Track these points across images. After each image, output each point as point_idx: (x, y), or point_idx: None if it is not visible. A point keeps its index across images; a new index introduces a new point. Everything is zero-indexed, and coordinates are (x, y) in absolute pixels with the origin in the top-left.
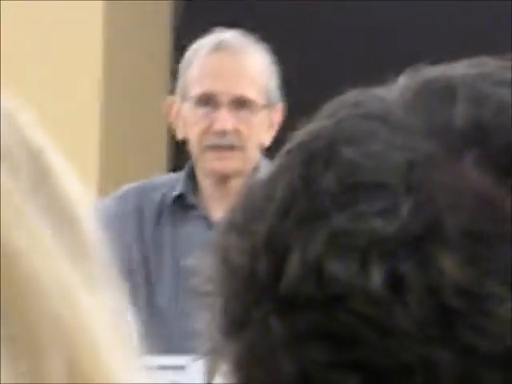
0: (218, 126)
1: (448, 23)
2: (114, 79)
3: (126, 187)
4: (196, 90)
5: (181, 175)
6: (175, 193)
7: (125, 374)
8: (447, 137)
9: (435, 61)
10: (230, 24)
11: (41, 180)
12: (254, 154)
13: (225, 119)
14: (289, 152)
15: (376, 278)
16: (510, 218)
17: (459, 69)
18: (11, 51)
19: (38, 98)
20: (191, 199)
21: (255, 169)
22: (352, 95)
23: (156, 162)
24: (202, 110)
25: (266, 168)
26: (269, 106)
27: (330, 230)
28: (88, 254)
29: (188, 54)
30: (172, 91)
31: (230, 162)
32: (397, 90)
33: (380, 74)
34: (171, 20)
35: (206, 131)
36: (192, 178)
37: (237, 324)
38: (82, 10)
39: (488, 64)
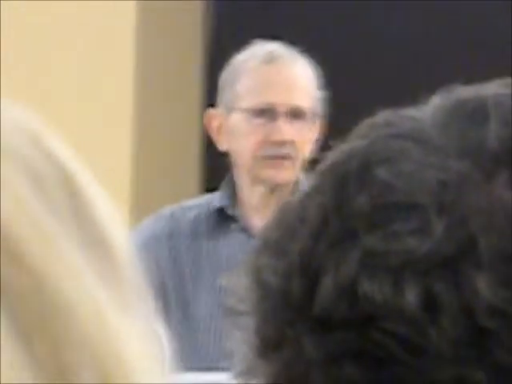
0: (277, 137)
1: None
2: (147, 89)
3: (162, 209)
4: (252, 101)
5: (216, 194)
6: (215, 205)
7: None
8: (480, 157)
9: (467, 80)
10: (266, 32)
11: (72, 202)
12: (302, 165)
13: (284, 130)
14: (322, 173)
15: (410, 298)
16: None
17: (491, 89)
18: (35, 54)
19: (68, 108)
20: (232, 211)
21: (296, 183)
22: (384, 116)
23: (189, 168)
24: (258, 121)
25: (305, 183)
26: (315, 118)
27: (362, 251)
28: (120, 277)
29: (233, 66)
30: (210, 103)
31: (285, 172)
32: (429, 110)
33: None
34: (204, 28)
35: (264, 141)
36: (232, 190)
37: (271, 344)
38: (115, 15)
39: None
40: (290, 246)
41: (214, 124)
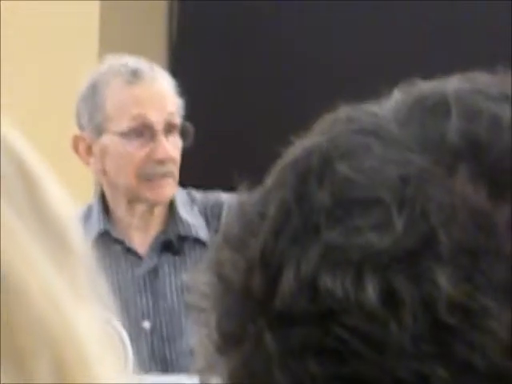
0: (160, 155)
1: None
2: None
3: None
4: (127, 122)
5: (92, 210)
6: (96, 230)
7: (112, 378)
8: (440, 152)
9: (428, 75)
10: (226, 26)
11: (26, 190)
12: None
13: (166, 147)
14: (282, 168)
15: (370, 292)
16: (503, 232)
17: (452, 84)
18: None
19: (34, 99)
20: (114, 234)
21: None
22: (344, 111)
23: None
24: (136, 141)
25: (179, 195)
26: (181, 129)
27: (323, 245)
28: (75, 266)
29: (94, 85)
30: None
31: (168, 190)
32: (390, 105)
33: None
34: (167, 20)
35: (145, 161)
36: (107, 212)
37: (231, 340)
38: (79, 12)
39: (480, 79)
40: (251, 241)
41: (82, 147)
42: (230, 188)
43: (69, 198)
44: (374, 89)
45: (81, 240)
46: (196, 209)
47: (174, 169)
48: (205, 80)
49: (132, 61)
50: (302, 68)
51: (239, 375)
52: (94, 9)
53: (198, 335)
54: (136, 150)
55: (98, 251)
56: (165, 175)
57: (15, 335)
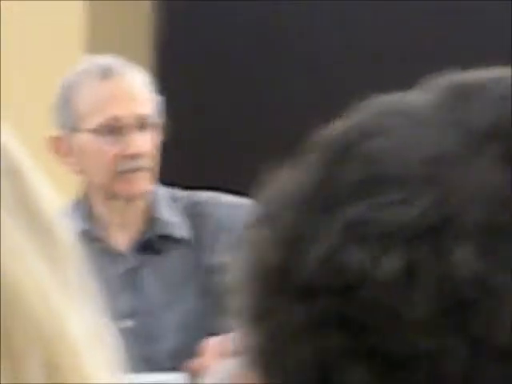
0: (131, 150)
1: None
2: None
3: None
4: (96, 120)
5: (76, 208)
6: (78, 229)
7: (103, 376)
8: (469, 133)
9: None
10: (211, 25)
11: (15, 188)
12: (153, 176)
13: (138, 142)
14: (314, 148)
15: (390, 266)
16: None
17: (482, 73)
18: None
19: (23, 99)
20: (95, 232)
21: (152, 193)
22: (375, 99)
23: None
24: (107, 138)
25: (159, 187)
26: (158, 124)
27: (346, 220)
28: (64, 260)
29: (67, 85)
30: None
31: (140, 184)
32: (421, 91)
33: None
34: (152, 19)
35: (117, 156)
36: (89, 211)
37: (258, 314)
38: (64, 11)
39: (508, 71)
40: (280, 216)
41: (63, 148)
42: (213, 186)
43: (56, 195)
44: (372, 89)
45: (69, 237)
46: (177, 207)
47: (148, 163)
48: (190, 79)
49: (104, 59)
50: (290, 66)
51: (265, 349)
52: (80, 8)
53: (227, 314)
54: (108, 147)
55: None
56: (138, 170)
57: (8, 334)
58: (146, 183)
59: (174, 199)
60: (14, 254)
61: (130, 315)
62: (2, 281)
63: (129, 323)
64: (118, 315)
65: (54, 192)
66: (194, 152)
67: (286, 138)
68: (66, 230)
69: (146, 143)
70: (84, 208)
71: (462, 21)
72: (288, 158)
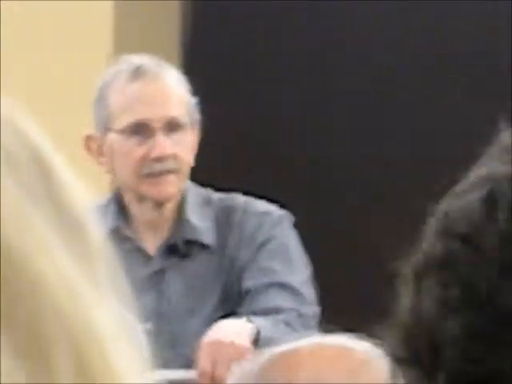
0: (156, 153)
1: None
2: None
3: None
4: (126, 120)
5: (109, 205)
6: (109, 226)
7: (131, 372)
8: None
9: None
10: (239, 24)
11: (44, 183)
12: (187, 176)
13: (163, 145)
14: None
15: None
16: None
17: None
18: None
19: (45, 102)
20: (126, 232)
21: (184, 192)
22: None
23: None
24: (135, 139)
25: (192, 189)
26: (192, 125)
27: None
28: (92, 255)
29: (101, 85)
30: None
31: (168, 187)
32: None
33: None
34: (180, 20)
35: (144, 159)
36: (122, 209)
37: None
38: (92, 11)
39: None
40: (482, 238)
41: (93, 147)
42: (240, 186)
43: (85, 190)
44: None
45: (99, 232)
46: (209, 211)
47: (176, 165)
48: (218, 78)
49: (138, 58)
50: (315, 65)
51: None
52: (108, 8)
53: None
54: (135, 148)
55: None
56: (164, 172)
57: (34, 325)
58: (173, 186)
59: (207, 202)
60: (41, 247)
61: (152, 318)
62: (28, 273)
63: (150, 325)
64: (141, 317)
65: (82, 185)
66: (221, 150)
67: (312, 138)
68: (96, 224)
69: (174, 146)
70: (116, 206)
71: (462, 21)
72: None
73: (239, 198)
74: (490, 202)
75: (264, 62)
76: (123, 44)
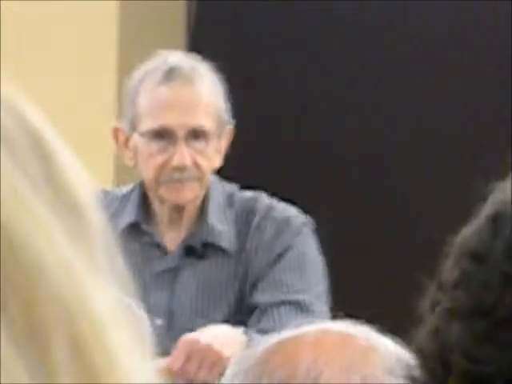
0: (176, 162)
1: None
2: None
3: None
4: (150, 124)
5: (131, 196)
6: (128, 219)
7: (128, 356)
8: None
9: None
10: (244, 25)
11: (43, 165)
12: (209, 180)
13: (184, 155)
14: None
15: None
16: None
17: None
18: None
19: (50, 103)
20: (145, 227)
21: (208, 190)
22: None
23: None
24: (157, 145)
25: (217, 188)
26: (220, 130)
27: None
28: (91, 239)
29: (134, 80)
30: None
31: (187, 193)
32: None
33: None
34: (185, 20)
35: (163, 166)
36: (143, 203)
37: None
38: (97, 11)
39: None
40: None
41: (121, 138)
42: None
43: (86, 174)
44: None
45: (98, 215)
46: (230, 214)
47: (197, 174)
48: (222, 68)
49: (175, 58)
50: (317, 62)
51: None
52: (113, 8)
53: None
54: (155, 154)
55: (127, 241)
56: (183, 180)
57: (31, 308)
58: (191, 192)
59: (231, 203)
60: (39, 229)
61: (162, 314)
62: (26, 255)
63: (159, 322)
64: (150, 312)
65: (84, 170)
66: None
67: (331, 138)
68: (95, 207)
69: (196, 154)
70: (138, 198)
71: (462, 21)
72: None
73: (262, 201)
74: (496, 219)
75: (269, 50)
76: (128, 44)
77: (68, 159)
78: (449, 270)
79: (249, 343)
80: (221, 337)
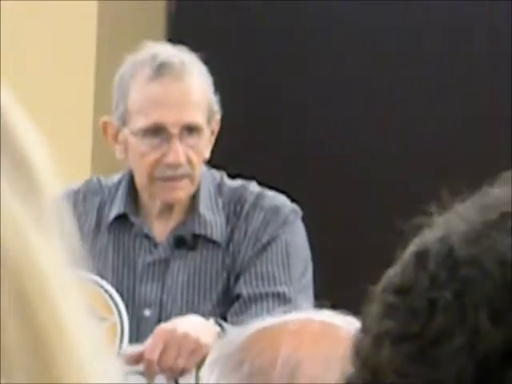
0: (171, 160)
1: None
2: (108, 75)
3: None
4: (142, 122)
5: (120, 186)
6: (116, 211)
7: (74, 312)
8: None
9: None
10: (224, 19)
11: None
12: (200, 175)
13: (178, 152)
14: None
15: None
16: None
17: None
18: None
19: (30, 100)
20: (133, 218)
21: (199, 181)
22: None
23: None
24: (150, 142)
25: (207, 177)
26: (210, 121)
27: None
28: (40, 199)
29: (122, 73)
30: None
31: (180, 192)
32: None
33: None
34: (165, 14)
35: (157, 163)
36: (132, 195)
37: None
38: (76, 8)
39: None
40: (410, 294)
41: (110, 132)
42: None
43: (45, 147)
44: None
45: (52, 185)
46: (220, 203)
47: (190, 171)
48: (202, 56)
49: (165, 52)
50: (298, 52)
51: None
52: (93, 7)
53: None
54: (148, 151)
55: (116, 232)
56: (177, 178)
57: None
58: (184, 190)
59: (220, 192)
60: None
61: (151, 305)
62: None
63: (148, 312)
64: (140, 303)
65: (43, 144)
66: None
67: (324, 131)
68: (51, 178)
69: (188, 150)
70: (127, 189)
71: (462, 21)
72: None
73: (250, 189)
74: (421, 256)
75: (252, 39)
76: (106, 41)
77: (26, 130)
78: (373, 307)
79: (221, 334)
80: (196, 325)
